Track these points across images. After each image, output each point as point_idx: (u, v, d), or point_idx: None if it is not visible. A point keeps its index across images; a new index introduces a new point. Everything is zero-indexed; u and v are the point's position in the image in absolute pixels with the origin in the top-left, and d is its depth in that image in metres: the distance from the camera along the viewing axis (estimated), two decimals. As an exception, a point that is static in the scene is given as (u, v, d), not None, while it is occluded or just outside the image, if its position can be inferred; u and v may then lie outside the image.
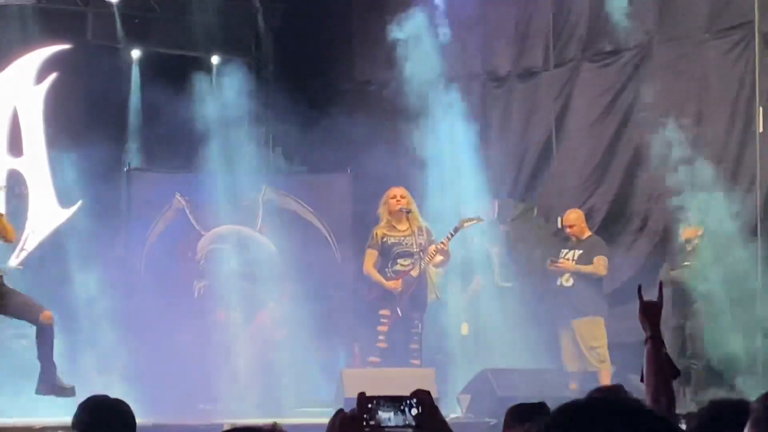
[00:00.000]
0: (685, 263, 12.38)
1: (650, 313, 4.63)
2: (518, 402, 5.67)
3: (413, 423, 3.61)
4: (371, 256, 12.46)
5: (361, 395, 3.67)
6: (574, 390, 11.79)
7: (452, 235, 12.44)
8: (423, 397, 3.67)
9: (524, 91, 14.91)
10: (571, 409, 2.42)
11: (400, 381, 10.60)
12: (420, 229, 12.39)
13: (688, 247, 12.48)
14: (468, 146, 14.19)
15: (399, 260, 12.37)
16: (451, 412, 11.82)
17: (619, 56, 14.07)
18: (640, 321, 4.63)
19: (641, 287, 4.67)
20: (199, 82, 14.39)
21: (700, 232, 12.48)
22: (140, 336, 13.20)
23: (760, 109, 11.11)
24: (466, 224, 12.61)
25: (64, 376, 10.45)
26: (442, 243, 12.43)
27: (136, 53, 15.59)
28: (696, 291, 12.19)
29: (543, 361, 12.91)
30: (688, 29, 13.47)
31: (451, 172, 14.24)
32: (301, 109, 14.49)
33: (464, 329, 13.21)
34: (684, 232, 12.51)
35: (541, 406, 5.45)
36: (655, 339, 4.56)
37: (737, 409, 4.33)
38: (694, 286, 12.20)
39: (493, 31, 15.10)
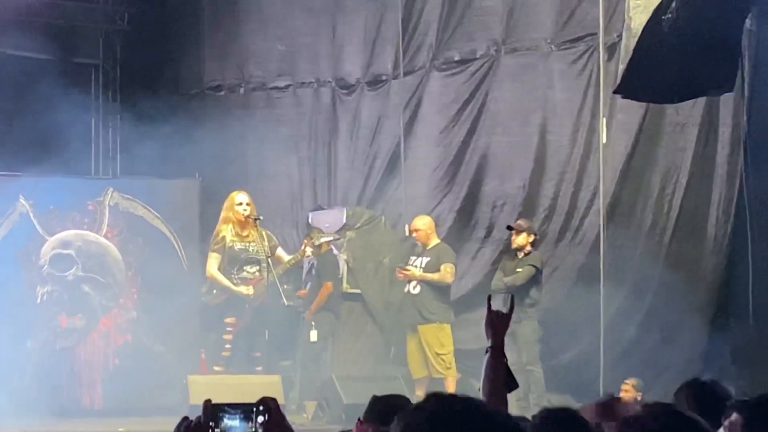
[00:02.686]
0: (518, 270, 12.52)
1: (496, 323, 4.62)
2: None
3: (259, 430, 3.54)
4: (215, 259, 12.30)
5: (207, 402, 3.57)
6: (421, 396, 11.81)
7: (305, 249, 12.38)
8: (269, 405, 3.59)
9: (374, 99, 14.96)
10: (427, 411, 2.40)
11: (246, 388, 10.54)
12: (263, 234, 12.31)
13: (520, 254, 12.64)
14: (316, 153, 14.22)
15: (246, 267, 12.26)
16: (298, 418, 11.77)
17: (467, 65, 14.22)
18: (485, 330, 4.62)
19: (491, 297, 4.68)
20: (46, 85, 14.08)
21: (531, 239, 12.66)
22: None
23: (603, 120, 11.30)
24: (322, 239, 12.58)
25: None
26: (297, 255, 12.39)
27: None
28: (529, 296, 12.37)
29: (390, 368, 12.94)
30: (534, 40, 13.69)
31: (301, 177, 14.24)
32: (149, 113, 14.29)
33: (313, 336, 13.14)
34: (517, 240, 12.66)
35: (403, 403, 5.37)
36: (495, 349, 4.56)
37: (567, 417, 4.33)
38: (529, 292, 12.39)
39: (342, 38, 15.12)
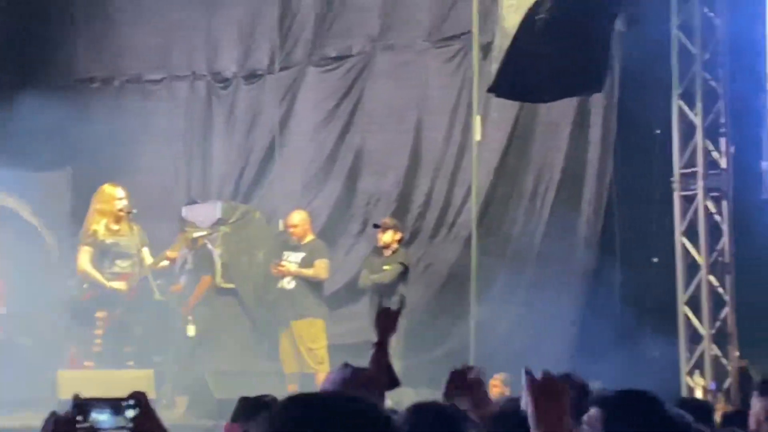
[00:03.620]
0: (385, 267, 12.62)
1: (383, 321, 4.69)
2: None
3: (129, 425, 3.52)
4: (86, 253, 12.11)
5: (76, 397, 3.55)
6: (293, 391, 11.84)
7: (181, 244, 12.29)
8: (139, 399, 3.60)
9: (249, 93, 14.91)
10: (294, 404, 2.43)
11: (117, 383, 10.45)
12: (135, 228, 12.20)
13: (387, 252, 12.75)
14: (191, 147, 14.15)
15: (117, 261, 12.11)
16: (169, 413, 11.70)
17: (343, 62, 14.27)
18: (374, 326, 4.70)
19: (382, 295, 4.79)
20: None
21: (398, 237, 12.78)
22: None
23: (478, 118, 11.44)
24: (194, 235, 12.50)
25: None
26: (170, 251, 12.29)
27: None
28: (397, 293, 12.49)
29: (263, 363, 12.93)
30: (409, 38, 13.79)
31: (175, 171, 14.15)
32: (20, 105, 14.07)
33: (190, 331, 13.07)
34: (383, 237, 12.76)
35: (270, 402, 5.41)
36: (380, 346, 4.65)
37: (435, 410, 4.40)
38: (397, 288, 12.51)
39: (218, 32, 15.04)
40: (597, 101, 12.41)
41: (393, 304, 4.89)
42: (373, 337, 5.03)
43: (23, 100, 14.02)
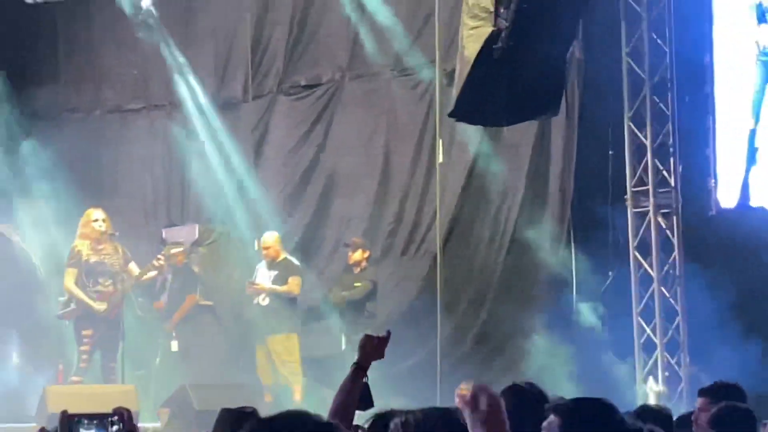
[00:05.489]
0: (357, 284, 12.79)
1: (368, 345, 4.76)
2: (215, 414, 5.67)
3: None
4: (72, 274, 12.18)
5: (64, 413, 3.69)
6: (269, 402, 11.92)
7: (159, 261, 12.35)
8: (122, 414, 3.71)
9: (225, 120, 14.94)
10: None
11: (102, 398, 10.49)
12: (118, 248, 12.26)
13: (356, 269, 12.91)
14: (169, 172, 14.19)
15: (100, 279, 12.17)
16: (152, 426, 11.75)
17: (313, 90, 14.36)
18: (359, 349, 4.75)
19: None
20: None
21: (366, 255, 12.94)
22: None
23: (440, 141, 11.55)
24: (172, 251, 12.59)
25: None
26: (152, 265, 12.35)
27: None
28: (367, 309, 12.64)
29: (241, 376, 12.99)
30: (377, 67, 13.88)
31: (155, 195, 14.19)
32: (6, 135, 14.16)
33: (173, 346, 13.14)
34: (353, 256, 12.94)
35: (251, 413, 5.45)
36: (359, 368, 4.69)
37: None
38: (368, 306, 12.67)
39: (194, 64, 15.06)
40: (558, 123, 12.49)
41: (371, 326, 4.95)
42: (342, 350, 5.10)
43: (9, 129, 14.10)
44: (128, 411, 3.75)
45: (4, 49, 15.34)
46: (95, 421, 3.66)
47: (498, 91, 10.35)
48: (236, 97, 14.89)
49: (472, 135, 13.00)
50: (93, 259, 12.14)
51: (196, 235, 13.80)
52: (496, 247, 13.11)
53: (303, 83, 14.45)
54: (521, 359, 12.13)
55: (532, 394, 5.11)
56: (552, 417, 3.89)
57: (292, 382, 12.56)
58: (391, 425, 3.70)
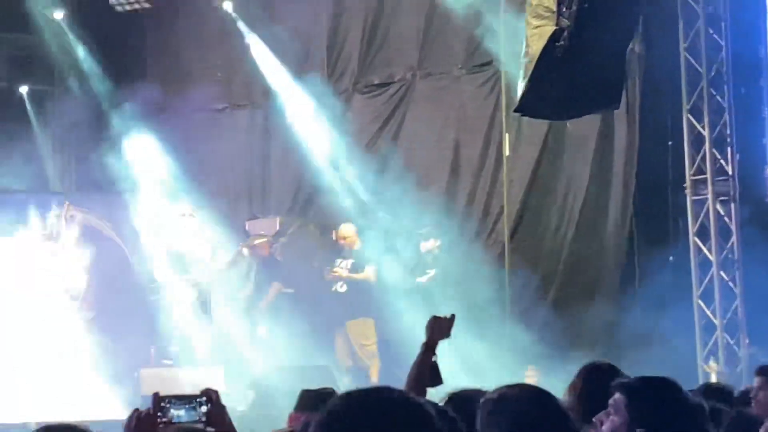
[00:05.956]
0: (428, 271, 12.84)
1: (434, 325, 4.80)
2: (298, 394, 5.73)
3: (203, 419, 3.70)
4: (162, 262, 12.37)
5: (156, 395, 3.74)
6: (347, 383, 12.01)
7: (243, 251, 12.48)
8: (211, 396, 3.77)
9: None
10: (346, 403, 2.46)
11: (192, 379, 10.64)
12: (205, 238, 12.42)
13: (429, 258, 12.95)
14: (251, 168, 14.32)
15: (191, 268, 12.36)
16: (238, 406, 11.88)
17: (386, 88, 14.42)
18: (426, 329, 4.82)
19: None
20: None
21: (438, 243, 12.97)
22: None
23: (506, 135, 11.55)
24: (255, 242, 12.74)
25: None
26: (236, 255, 12.48)
27: None
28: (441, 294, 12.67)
29: (321, 359, 13.09)
30: (446, 65, 13.90)
31: (237, 190, 14.34)
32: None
33: (261, 331, 13.30)
34: (424, 245, 12.98)
35: (331, 393, 5.47)
36: (428, 347, 4.77)
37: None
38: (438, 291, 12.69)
39: (272, 64, 15.17)
40: (620, 116, 12.42)
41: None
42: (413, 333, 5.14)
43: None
44: (216, 392, 3.81)
45: (98, 54, 15.56)
46: (185, 402, 3.72)
47: (561, 86, 10.34)
48: (314, 95, 14.98)
49: (538, 128, 12.97)
50: (182, 249, 12.33)
51: (278, 227, 13.94)
52: (561, 236, 13.07)
53: (377, 82, 14.53)
54: (587, 344, 12.10)
55: (612, 374, 5.02)
56: (618, 395, 3.86)
57: (369, 364, 12.66)
58: (482, 400, 3.64)
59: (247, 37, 14.81)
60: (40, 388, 13.12)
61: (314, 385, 6.00)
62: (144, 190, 14.17)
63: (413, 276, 13.09)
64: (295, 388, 6.06)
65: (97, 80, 15.27)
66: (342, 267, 13.03)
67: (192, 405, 3.73)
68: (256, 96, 15.40)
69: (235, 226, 14.20)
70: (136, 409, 3.76)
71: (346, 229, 13.22)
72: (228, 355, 13.15)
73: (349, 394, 2.49)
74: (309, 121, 14.77)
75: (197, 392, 3.79)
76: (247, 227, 14.23)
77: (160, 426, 3.67)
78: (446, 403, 4.22)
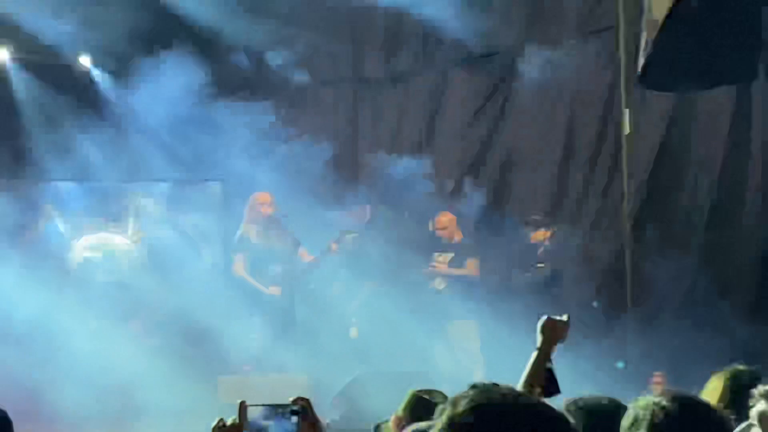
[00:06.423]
0: (539, 264, 12.83)
1: (548, 328, 4.87)
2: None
3: (294, 429, 3.82)
4: (240, 260, 12.54)
5: (242, 403, 3.86)
6: (448, 392, 12.06)
7: (333, 246, 12.59)
8: (303, 404, 3.87)
9: (396, 95, 15.21)
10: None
11: (274, 387, 10.77)
12: (287, 233, 12.54)
13: (539, 249, 12.94)
14: (337, 151, 14.44)
15: (271, 266, 12.49)
16: (327, 416, 12.02)
17: (489, 61, 14.45)
18: (540, 332, 4.88)
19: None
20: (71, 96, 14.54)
21: (549, 233, 12.96)
22: (8, 348, 13.27)
23: (626, 111, 11.53)
24: (346, 236, 12.85)
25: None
26: (325, 250, 12.60)
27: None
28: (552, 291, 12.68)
29: (417, 364, 13.17)
30: (556, 34, 13.87)
31: (323, 175, 14.47)
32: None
33: (353, 332, 13.41)
34: (534, 235, 12.98)
35: (442, 396, 5.52)
36: (540, 352, 4.82)
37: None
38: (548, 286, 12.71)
39: (363, 35, 15.35)
40: (758, 88, 12.33)
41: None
42: (523, 335, 5.16)
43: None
44: (308, 400, 3.89)
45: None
46: (275, 412, 3.82)
47: (689, 54, 10.26)
48: (407, 70, 15.13)
49: (665, 103, 12.92)
50: (261, 245, 12.46)
51: (368, 217, 14.01)
52: (694, 222, 13.01)
53: (478, 53, 14.56)
54: (723, 339, 12.04)
55: (754, 380, 4.82)
56: (763, 403, 3.88)
57: (472, 369, 12.70)
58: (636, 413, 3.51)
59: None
60: (105, 397, 13.47)
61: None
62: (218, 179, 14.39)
63: (521, 271, 13.13)
64: (389, 397, 6.10)
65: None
66: (441, 261, 13.10)
67: (283, 415, 3.82)
68: (344, 71, 15.55)
69: (319, 216, 14.33)
70: (221, 419, 3.86)
71: (445, 219, 13.28)
72: (314, 361, 13.29)
73: (477, 392, 2.52)
74: (402, 97, 14.85)
75: (287, 401, 3.89)
76: (334, 218, 14.32)
77: (248, 438, 3.75)
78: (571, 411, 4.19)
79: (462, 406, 2.48)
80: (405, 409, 5.52)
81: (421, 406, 5.46)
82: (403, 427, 5.30)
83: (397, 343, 13.38)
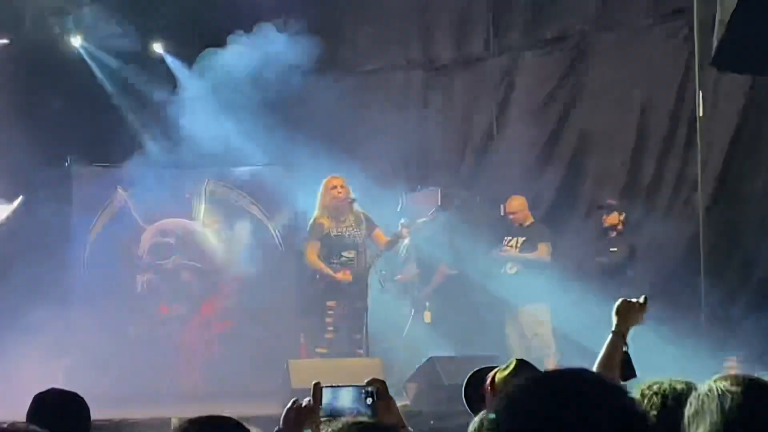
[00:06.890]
0: (612, 249, 12.77)
1: (623, 310, 4.81)
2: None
3: (368, 412, 3.81)
4: (314, 247, 12.58)
5: (317, 384, 3.87)
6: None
7: (404, 230, 12.60)
8: (378, 386, 3.88)
9: (466, 79, 15.17)
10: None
11: (346, 370, 10.80)
12: (360, 217, 12.56)
13: (613, 233, 12.88)
14: (407, 135, 14.45)
15: (344, 252, 12.52)
16: (399, 400, 12.02)
17: (560, 43, 14.40)
18: (615, 314, 4.80)
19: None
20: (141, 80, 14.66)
21: (623, 217, 12.88)
22: (83, 331, 13.42)
23: (699, 93, 11.43)
24: (418, 220, 12.86)
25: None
26: (397, 234, 12.62)
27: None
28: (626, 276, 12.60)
29: (491, 348, 13.15)
30: (629, 15, 13.79)
31: (392, 159, 14.47)
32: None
33: (427, 317, 13.41)
34: (607, 219, 12.91)
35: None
36: (616, 335, 4.75)
37: None
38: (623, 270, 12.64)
39: (432, 20, 15.32)
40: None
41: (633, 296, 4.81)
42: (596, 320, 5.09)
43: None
44: (383, 382, 3.89)
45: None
46: (350, 393, 3.83)
47: (764, 36, 10.15)
48: (478, 53, 15.09)
49: (740, 85, 12.79)
50: (334, 231, 12.49)
51: (439, 201, 14.00)
52: (769, 206, 12.90)
53: (549, 36, 14.51)
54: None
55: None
56: None
57: (544, 354, 12.67)
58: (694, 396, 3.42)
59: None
60: (179, 382, 13.60)
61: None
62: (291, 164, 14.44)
63: (594, 255, 13.07)
64: (462, 381, 6.10)
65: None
66: (512, 245, 13.08)
67: (356, 396, 3.83)
68: (414, 54, 15.54)
69: (389, 199, 14.34)
70: (296, 400, 3.87)
71: (516, 203, 13.25)
72: (388, 344, 13.31)
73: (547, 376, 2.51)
74: (472, 82, 14.83)
75: (362, 383, 3.89)
76: (404, 201, 14.31)
77: (323, 419, 3.76)
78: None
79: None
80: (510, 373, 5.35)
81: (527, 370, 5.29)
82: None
83: (469, 328, 13.38)
